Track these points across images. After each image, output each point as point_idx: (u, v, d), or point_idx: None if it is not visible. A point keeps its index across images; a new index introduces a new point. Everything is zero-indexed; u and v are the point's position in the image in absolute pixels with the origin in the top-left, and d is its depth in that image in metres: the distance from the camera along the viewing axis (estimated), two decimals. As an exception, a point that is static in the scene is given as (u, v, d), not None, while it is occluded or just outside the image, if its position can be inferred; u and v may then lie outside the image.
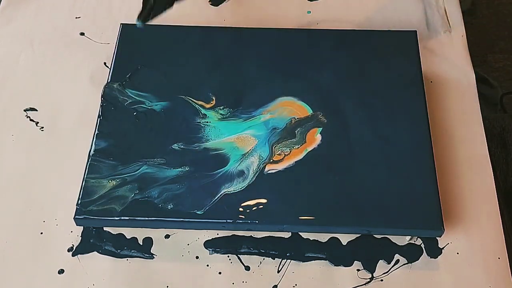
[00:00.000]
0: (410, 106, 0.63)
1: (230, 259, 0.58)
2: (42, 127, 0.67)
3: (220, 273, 0.57)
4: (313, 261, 0.58)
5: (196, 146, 0.60)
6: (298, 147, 0.60)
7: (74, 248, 0.58)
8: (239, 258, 0.58)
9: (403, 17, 0.76)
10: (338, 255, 0.58)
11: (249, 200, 0.56)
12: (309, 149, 0.60)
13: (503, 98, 1.07)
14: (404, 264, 0.57)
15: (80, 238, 0.59)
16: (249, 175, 0.58)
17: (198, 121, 0.62)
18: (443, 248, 0.58)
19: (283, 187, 0.57)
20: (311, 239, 0.59)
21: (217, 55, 0.67)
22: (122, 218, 0.56)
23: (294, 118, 0.62)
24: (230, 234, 0.59)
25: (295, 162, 0.59)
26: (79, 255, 0.58)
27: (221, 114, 0.63)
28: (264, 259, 0.58)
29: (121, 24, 0.70)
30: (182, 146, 0.60)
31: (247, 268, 0.57)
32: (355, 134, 0.61)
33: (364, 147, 0.60)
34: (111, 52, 0.68)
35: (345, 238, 0.59)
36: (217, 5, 0.78)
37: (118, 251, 0.58)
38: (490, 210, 0.60)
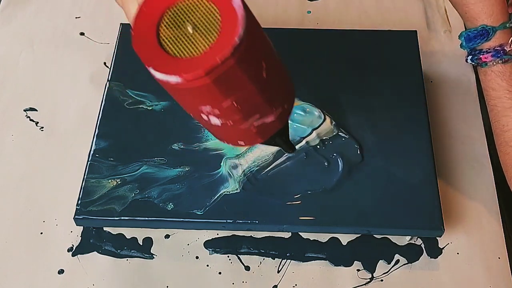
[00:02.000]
0: (410, 106, 0.63)
1: (230, 259, 0.58)
2: (42, 127, 0.67)
3: (220, 273, 0.57)
4: (313, 261, 0.58)
5: (196, 146, 0.60)
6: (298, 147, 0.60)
7: (74, 248, 0.58)
8: (239, 258, 0.58)
9: (403, 17, 0.76)
10: (338, 255, 0.58)
11: (248, 200, 0.56)
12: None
13: None
14: (404, 264, 0.57)
15: (80, 238, 0.59)
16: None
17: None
18: (443, 248, 0.58)
19: (283, 187, 0.57)
20: (311, 239, 0.59)
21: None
22: (122, 218, 0.56)
23: (294, 118, 0.62)
24: (230, 234, 0.59)
25: (296, 162, 0.59)
26: (79, 255, 0.58)
27: (221, 114, 0.62)
28: (264, 259, 0.58)
29: (121, 24, 0.70)
30: (182, 146, 0.60)
31: (247, 268, 0.57)
32: (355, 134, 0.61)
33: (364, 147, 0.60)
34: (111, 52, 0.68)
35: (345, 238, 0.59)
36: (217, 5, 0.78)
37: (118, 251, 0.58)
38: (490, 210, 0.60)
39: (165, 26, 0.39)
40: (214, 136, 0.47)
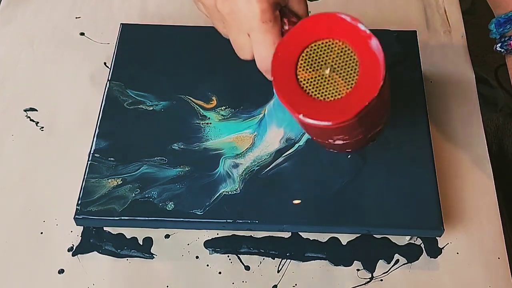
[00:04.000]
0: (410, 106, 0.63)
1: (230, 259, 0.58)
2: (42, 127, 0.67)
3: (220, 273, 0.57)
4: (313, 261, 0.58)
5: (196, 146, 0.60)
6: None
7: (74, 248, 0.58)
8: (239, 258, 0.58)
9: (403, 17, 0.76)
10: (338, 255, 0.58)
11: (248, 200, 0.56)
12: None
13: (498, 71, 1.06)
14: (404, 264, 0.57)
15: (80, 238, 0.59)
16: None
17: (198, 121, 0.62)
18: (443, 248, 0.58)
19: (283, 187, 0.57)
20: (311, 239, 0.59)
21: (217, 55, 0.67)
22: (122, 218, 0.56)
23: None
24: (230, 234, 0.59)
25: (296, 161, 0.59)
26: (79, 255, 0.58)
27: (222, 115, 0.63)
28: (264, 259, 0.58)
29: (121, 24, 0.70)
30: (182, 146, 0.60)
31: (247, 268, 0.57)
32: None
33: (364, 147, 0.60)
34: (111, 52, 0.68)
35: (345, 238, 0.59)
36: (217, 5, 0.78)
37: (118, 251, 0.58)
38: (490, 210, 0.60)
39: (301, 69, 0.41)
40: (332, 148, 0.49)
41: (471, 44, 0.74)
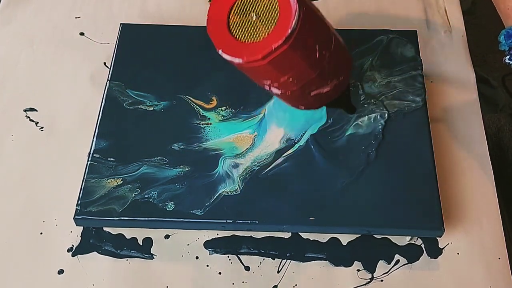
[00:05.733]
0: (410, 106, 0.63)
1: (230, 259, 0.58)
2: (42, 127, 0.67)
3: (220, 273, 0.57)
4: (313, 261, 0.58)
5: (196, 146, 0.60)
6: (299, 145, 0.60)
7: (74, 248, 0.58)
8: (239, 258, 0.58)
9: (403, 17, 0.76)
10: (338, 255, 0.58)
11: (248, 200, 0.56)
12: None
13: (505, 79, 1.06)
14: (404, 265, 0.57)
15: (80, 238, 0.59)
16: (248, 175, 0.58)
17: (198, 121, 0.62)
18: (443, 248, 0.58)
19: (283, 187, 0.57)
20: (311, 239, 0.59)
21: (217, 55, 0.67)
22: (122, 218, 0.56)
23: (294, 118, 0.62)
24: (230, 234, 0.59)
25: (296, 161, 0.59)
26: (78, 255, 0.58)
27: (222, 115, 0.63)
28: (264, 259, 0.58)
29: (121, 24, 0.70)
30: (182, 146, 0.60)
31: (247, 268, 0.57)
32: (355, 134, 0.61)
33: (364, 147, 0.60)
34: (111, 52, 0.68)
35: (345, 238, 0.59)
36: (217, 5, 0.78)
37: (118, 251, 0.58)
38: (490, 210, 0.60)
39: (234, 13, 0.48)
40: (280, 99, 0.56)
41: (471, 44, 0.74)
